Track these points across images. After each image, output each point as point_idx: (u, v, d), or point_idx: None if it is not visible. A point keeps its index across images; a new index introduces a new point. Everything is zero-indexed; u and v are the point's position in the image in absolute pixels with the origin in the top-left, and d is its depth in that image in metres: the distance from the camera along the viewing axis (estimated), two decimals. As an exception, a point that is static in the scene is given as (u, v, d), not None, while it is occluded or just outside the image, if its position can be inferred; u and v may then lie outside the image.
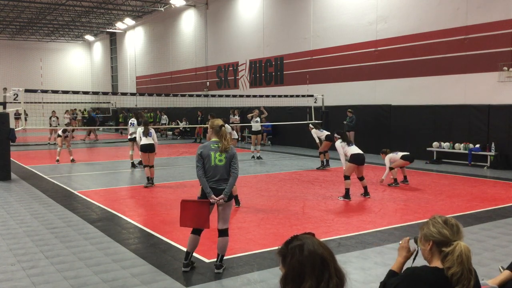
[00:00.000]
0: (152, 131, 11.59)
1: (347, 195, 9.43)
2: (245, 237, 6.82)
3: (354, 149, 9.73)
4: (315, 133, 14.42)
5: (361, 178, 9.78)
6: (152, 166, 11.34)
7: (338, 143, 10.08)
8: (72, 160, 15.95)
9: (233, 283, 5.02)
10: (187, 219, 5.23)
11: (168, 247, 6.30)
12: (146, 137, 11.35)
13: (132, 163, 14.56)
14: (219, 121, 5.45)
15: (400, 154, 11.21)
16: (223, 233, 5.36)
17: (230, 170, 5.32)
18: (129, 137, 14.93)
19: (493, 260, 5.58)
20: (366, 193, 9.76)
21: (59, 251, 6.12)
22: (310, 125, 14.98)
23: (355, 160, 9.56)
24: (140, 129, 11.51)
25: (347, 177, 9.49)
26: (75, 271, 5.35)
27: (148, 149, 11.28)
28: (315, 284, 1.77)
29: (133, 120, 14.97)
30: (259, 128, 16.98)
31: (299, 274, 1.80)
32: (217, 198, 5.21)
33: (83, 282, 5.02)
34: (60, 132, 16.29)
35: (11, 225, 7.49)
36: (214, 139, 5.38)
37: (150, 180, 11.14)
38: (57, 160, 15.83)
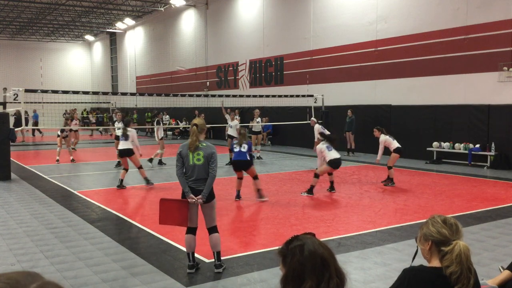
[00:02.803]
0: (131, 133, 11.11)
1: (311, 191, 9.86)
2: (245, 237, 6.82)
3: (334, 154, 9.96)
4: (317, 129, 14.34)
5: (329, 173, 10.23)
6: (141, 167, 11.24)
7: (320, 146, 10.20)
8: (72, 160, 15.96)
9: (233, 283, 5.02)
10: (167, 218, 5.30)
11: (168, 247, 6.31)
12: (125, 140, 10.99)
13: (160, 160, 15.17)
14: (194, 120, 5.50)
15: (396, 144, 11.19)
16: (212, 230, 5.40)
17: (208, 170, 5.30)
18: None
19: (493, 260, 5.57)
20: (332, 188, 10.22)
21: (59, 251, 6.12)
22: (313, 119, 14.74)
23: (333, 164, 9.91)
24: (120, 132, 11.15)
25: (317, 176, 9.92)
26: (75, 271, 5.35)
27: (125, 153, 11.01)
28: (316, 284, 1.77)
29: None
30: (260, 129, 17.02)
31: (299, 274, 1.80)
32: (195, 198, 5.21)
33: (83, 282, 5.02)
34: (58, 132, 16.36)
35: (11, 225, 7.49)
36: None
37: (121, 182, 10.92)
38: (57, 160, 15.85)
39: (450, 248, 2.34)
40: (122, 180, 10.97)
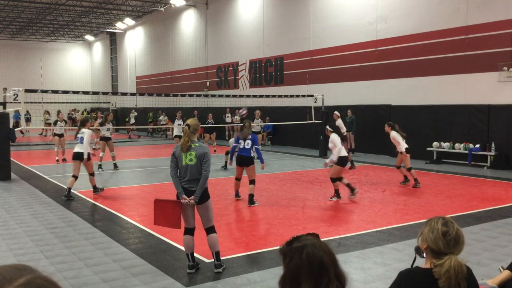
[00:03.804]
0: (83, 134, 9.91)
1: (338, 194, 9.39)
2: (245, 237, 6.82)
3: (343, 151, 9.40)
4: (340, 124, 14.51)
5: (340, 178, 9.52)
6: (92, 174, 10.16)
7: (335, 136, 9.47)
8: (64, 160, 16.00)
9: (233, 283, 5.02)
10: (161, 219, 5.32)
11: (168, 247, 6.31)
12: (81, 143, 9.89)
13: None
14: (187, 121, 5.47)
15: (404, 144, 10.90)
16: (209, 230, 5.39)
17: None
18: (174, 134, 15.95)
19: (493, 260, 5.57)
20: (352, 190, 9.52)
21: (59, 251, 6.13)
22: (336, 113, 15.01)
23: (344, 163, 9.39)
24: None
25: (335, 180, 9.36)
26: (75, 271, 5.35)
27: (78, 157, 9.86)
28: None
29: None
30: (259, 129, 17.19)
31: (296, 278, 1.78)
32: (188, 199, 5.21)
33: (83, 282, 5.02)
34: (55, 131, 16.49)
35: (11, 225, 7.49)
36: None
37: (68, 191, 9.69)
38: (57, 160, 15.87)
39: (441, 263, 2.31)
40: (69, 189, 9.73)
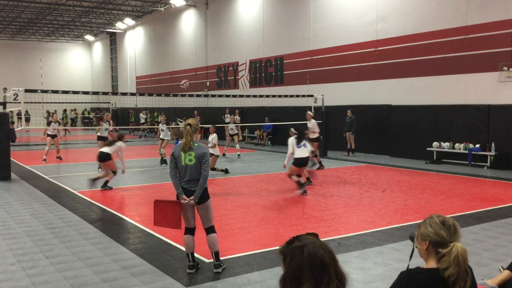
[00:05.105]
0: (120, 145, 10.99)
1: (301, 185, 9.87)
2: (245, 237, 6.82)
3: (300, 152, 9.97)
4: (314, 125, 14.45)
5: (298, 175, 10.10)
6: (114, 172, 10.99)
7: (292, 139, 10.09)
8: (59, 158, 16.23)
9: (233, 283, 5.02)
10: (161, 219, 5.32)
11: (168, 247, 6.31)
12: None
13: (162, 159, 15.27)
14: (188, 121, 5.46)
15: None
16: (209, 230, 5.38)
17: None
18: (161, 136, 16.21)
19: (493, 260, 5.57)
20: (303, 184, 10.02)
21: (59, 251, 6.13)
22: (309, 113, 15.17)
23: (296, 163, 9.99)
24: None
25: (290, 176, 9.99)
26: (75, 271, 5.35)
27: (102, 158, 10.82)
28: (314, 287, 1.76)
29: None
30: (235, 131, 18.92)
31: (297, 277, 1.79)
32: (188, 199, 5.21)
33: (83, 282, 5.02)
34: (48, 131, 16.62)
35: (11, 225, 7.49)
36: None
37: (104, 183, 10.89)
38: (44, 160, 16.06)
39: (448, 251, 2.32)
40: (106, 181, 10.87)
